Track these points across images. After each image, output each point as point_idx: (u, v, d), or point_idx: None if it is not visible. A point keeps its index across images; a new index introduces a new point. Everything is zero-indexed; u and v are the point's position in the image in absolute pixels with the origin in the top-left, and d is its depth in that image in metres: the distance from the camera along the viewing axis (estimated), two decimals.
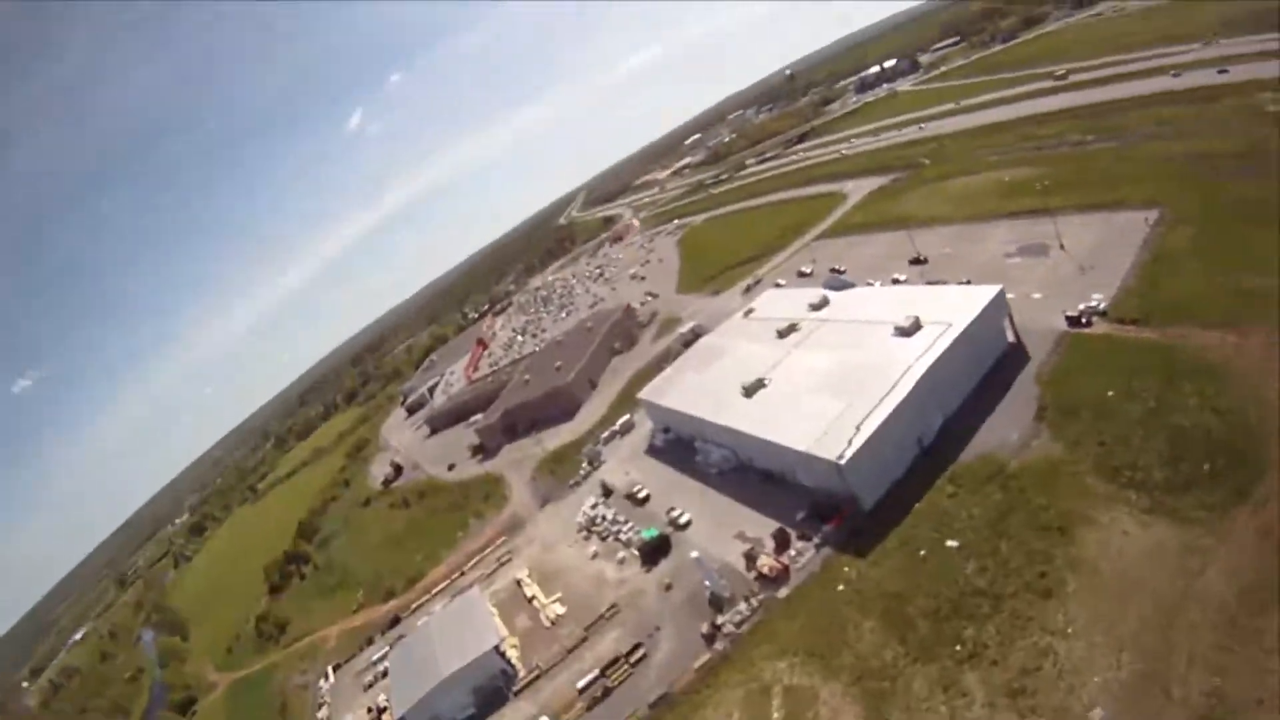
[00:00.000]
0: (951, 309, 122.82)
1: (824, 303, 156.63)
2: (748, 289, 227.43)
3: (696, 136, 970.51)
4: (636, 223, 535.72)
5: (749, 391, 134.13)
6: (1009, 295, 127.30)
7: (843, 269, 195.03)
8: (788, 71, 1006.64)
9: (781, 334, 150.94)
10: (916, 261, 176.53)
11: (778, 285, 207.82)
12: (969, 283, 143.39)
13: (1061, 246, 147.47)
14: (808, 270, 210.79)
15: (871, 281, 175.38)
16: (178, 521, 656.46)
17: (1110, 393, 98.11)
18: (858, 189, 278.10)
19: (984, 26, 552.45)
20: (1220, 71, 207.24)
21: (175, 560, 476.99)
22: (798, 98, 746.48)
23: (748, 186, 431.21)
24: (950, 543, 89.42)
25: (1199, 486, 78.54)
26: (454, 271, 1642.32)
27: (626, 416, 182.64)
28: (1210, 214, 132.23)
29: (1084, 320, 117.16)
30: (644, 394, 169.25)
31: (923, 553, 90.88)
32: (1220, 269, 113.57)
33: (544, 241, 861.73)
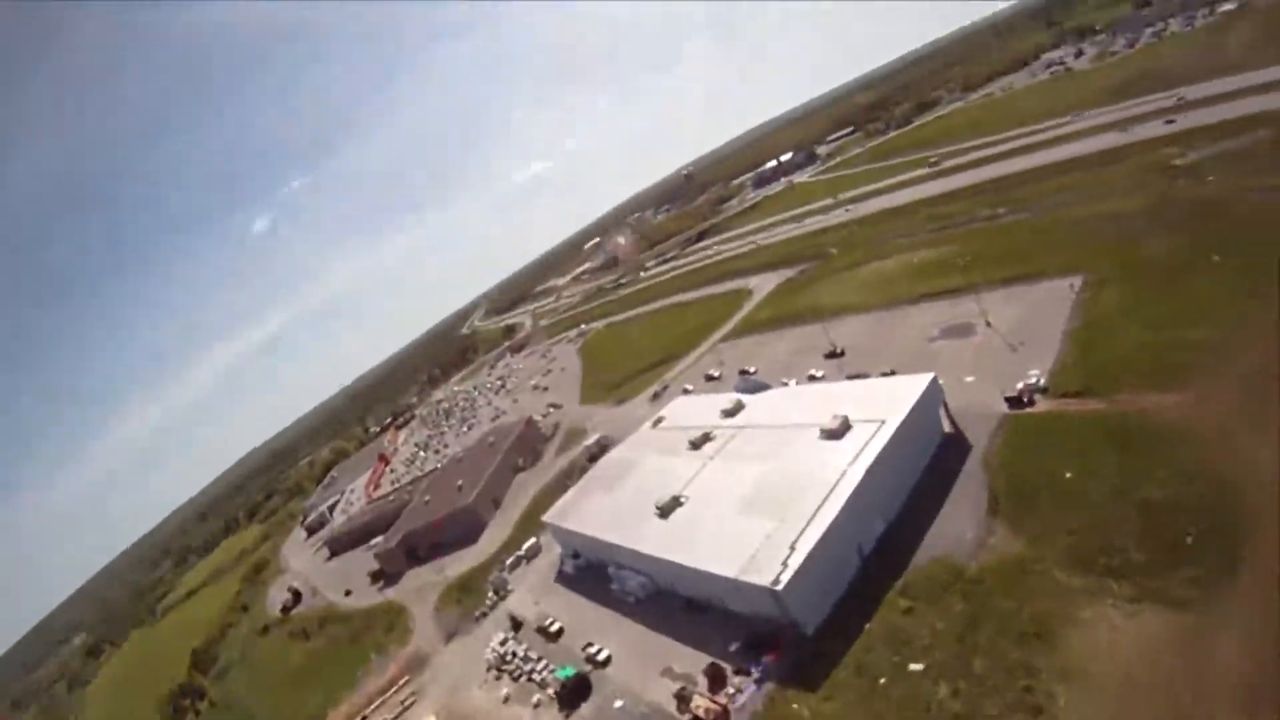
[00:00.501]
0: (882, 404, 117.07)
1: (738, 408, 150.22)
2: (655, 396, 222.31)
3: (596, 241, 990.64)
4: (537, 330, 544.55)
5: (664, 511, 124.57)
6: (939, 380, 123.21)
7: (753, 369, 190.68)
8: (686, 171, 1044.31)
9: (695, 444, 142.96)
10: (833, 355, 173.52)
11: (686, 391, 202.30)
12: (893, 373, 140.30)
13: (987, 324, 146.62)
14: (716, 373, 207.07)
15: (786, 380, 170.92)
16: (75, 641, 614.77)
17: (1068, 474, 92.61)
18: (763, 284, 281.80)
19: (878, 115, 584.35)
20: (1120, 133, 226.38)
21: (69, 685, 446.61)
22: (696, 196, 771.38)
23: (649, 289, 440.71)
24: (914, 666, 79.54)
25: (1184, 561, 73.06)
26: (359, 381, 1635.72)
27: (533, 540, 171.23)
28: (1133, 273, 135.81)
29: (1025, 399, 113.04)
30: (549, 516, 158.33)
31: (883, 680, 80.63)
32: (1155, 327, 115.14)
33: (447, 352, 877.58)
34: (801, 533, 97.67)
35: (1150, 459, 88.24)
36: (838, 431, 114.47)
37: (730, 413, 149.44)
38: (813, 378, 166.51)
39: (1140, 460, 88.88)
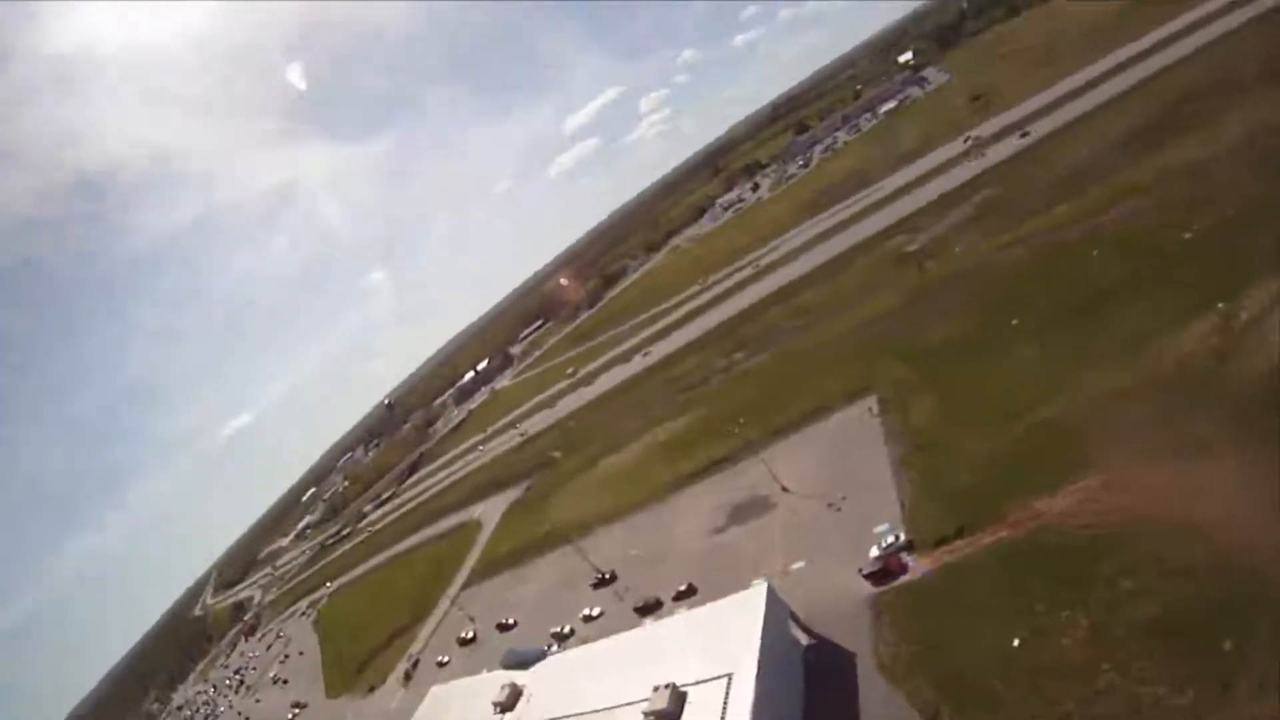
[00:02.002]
0: (715, 649, 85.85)
1: (515, 695, 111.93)
2: (407, 676, 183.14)
3: (312, 491, 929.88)
4: (265, 606, 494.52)
5: None
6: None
7: (511, 621, 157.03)
8: (386, 401, 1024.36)
9: None
10: (603, 582, 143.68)
11: (441, 664, 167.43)
12: (693, 591, 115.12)
13: (784, 489, 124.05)
14: (469, 634, 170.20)
15: (558, 631, 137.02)
16: None
17: (1015, 641, 69.41)
18: (491, 511, 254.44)
19: (564, 301, 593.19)
20: (836, 239, 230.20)
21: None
22: (401, 425, 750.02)
23: (373, 538, 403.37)
24: None
25: (1238, 673, 55.42)
26: (107, 678, 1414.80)
27: None
28: (932, 371, 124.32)
29: (893, 567, 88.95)
30: None
31: None
32: (998, 421, 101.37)
33: (183, 640, 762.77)
34: None
35: (1113, 572, 69.42)
36: (671, 711, 79.74)
37: (506, 706, 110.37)
38: (588, 618, 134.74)
39: (1101, 579, 69.60)
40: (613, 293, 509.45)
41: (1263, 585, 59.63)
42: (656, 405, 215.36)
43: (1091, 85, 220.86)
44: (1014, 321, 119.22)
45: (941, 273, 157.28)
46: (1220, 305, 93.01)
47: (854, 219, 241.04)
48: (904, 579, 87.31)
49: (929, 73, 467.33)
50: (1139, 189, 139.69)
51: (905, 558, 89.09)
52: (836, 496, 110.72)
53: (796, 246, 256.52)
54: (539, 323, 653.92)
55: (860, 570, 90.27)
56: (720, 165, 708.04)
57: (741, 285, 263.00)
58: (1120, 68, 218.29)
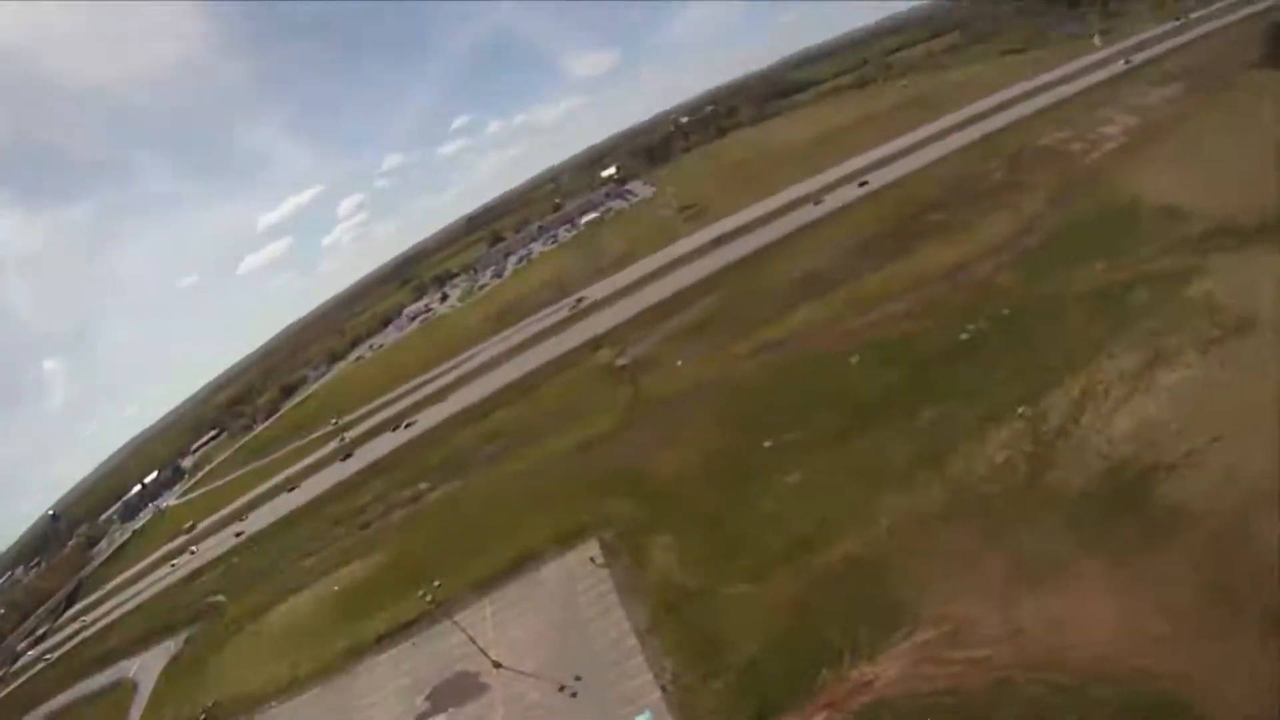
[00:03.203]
0: None
1: None
2: None
3: None
4: None
5: None
6: None
7: None
8: (50, 512, 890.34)
9: None
10: None
11: None
12: None
13: (497, 664, 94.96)
14: None
15: None
16: None
17: None
18: (147, 668, 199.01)
19: (241, 410, 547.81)
20: (531, 353, 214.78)
21: None
22: (67, 541, 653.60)
23: (15, 694, 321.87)
24: None
25: None
26: None
27: None
28: (664, 506, 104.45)
29: None
30: None
31: None
32: (774, 562, 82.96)
33: None
34: None
35: None
36: None
37: None
38: None
39: None
40: (291, 402, 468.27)
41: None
42: (334, 541, 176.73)
43: (811, 198, 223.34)
44: (766, 444, 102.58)
45: (663, 391, 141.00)
46: (1021, 410, 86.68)
47: (552, 330, 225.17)
48: None
49: (635, 186, 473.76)
50: (891, 294, 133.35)
51: None
52: (568, 676, 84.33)
53: (486, 361, 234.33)
54: (214, 433, 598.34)
55: None
56: (410, 274, 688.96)
57: (427, 400, 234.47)
58: (842, 181, 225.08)
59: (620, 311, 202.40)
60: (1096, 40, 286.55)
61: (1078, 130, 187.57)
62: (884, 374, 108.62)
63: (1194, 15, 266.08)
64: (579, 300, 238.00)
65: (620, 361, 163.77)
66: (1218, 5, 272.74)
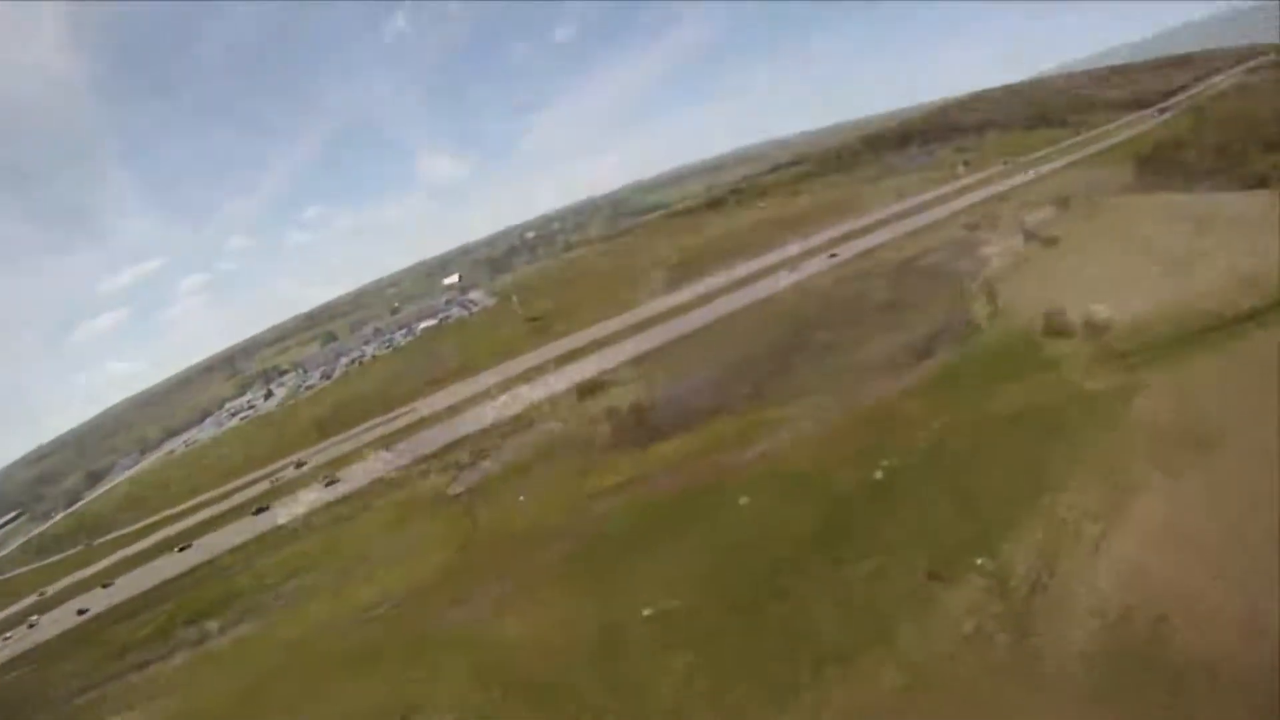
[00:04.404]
0: None
1: None
2: None
3: None
4: None
5: None
6: None
7: None
8: None
9: None
10: None
11: None
12: None
13: None
14: None
15: None
16: None
17: None
18: None
19: (44, 493, 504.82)
20: (329, 484, 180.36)
21: None
22: None
23: None
24: None
25: None
26: None
27: None
28: (517, 690, 74.40)
29: None
30: None
31: None
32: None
33: None
34: None
35: None
36: None
37: None
38: None
39: None
40: (96, 491, 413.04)
41: None
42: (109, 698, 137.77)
43: (675, 312, 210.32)
44: (646, 611, 76.32)
45: (505, 527, 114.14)
46: (979, 561, 69.23)
47: (376, 444, 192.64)
48: None
49: (477, 295, 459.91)
50: (776, 421, 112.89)
51: None
52: None
53: (304, 473, 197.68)
54: (13, 514, 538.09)
55: None
56: (239, 367, 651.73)
57: (228, 515, 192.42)
58: (707, 297, 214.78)
59: (452, 430, 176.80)
60: (961, 169, 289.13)
61: (960, 250, 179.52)
62: (787, 521, 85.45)
63: (1039, 155, 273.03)
64: (407, 413, 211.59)
65: (453, 489, 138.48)
66: (1067, 143, 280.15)
